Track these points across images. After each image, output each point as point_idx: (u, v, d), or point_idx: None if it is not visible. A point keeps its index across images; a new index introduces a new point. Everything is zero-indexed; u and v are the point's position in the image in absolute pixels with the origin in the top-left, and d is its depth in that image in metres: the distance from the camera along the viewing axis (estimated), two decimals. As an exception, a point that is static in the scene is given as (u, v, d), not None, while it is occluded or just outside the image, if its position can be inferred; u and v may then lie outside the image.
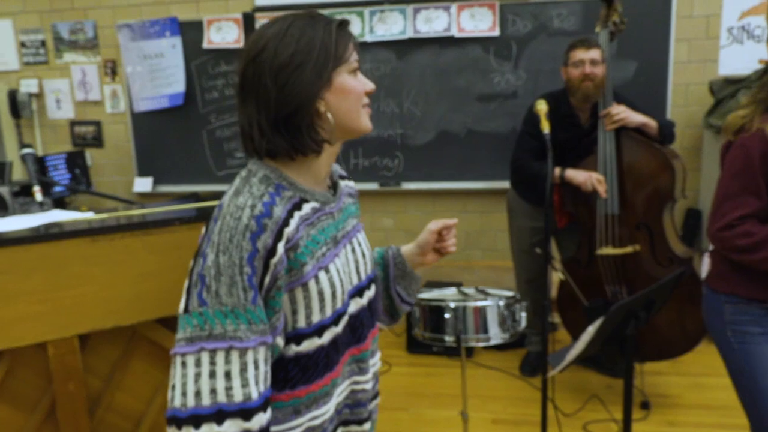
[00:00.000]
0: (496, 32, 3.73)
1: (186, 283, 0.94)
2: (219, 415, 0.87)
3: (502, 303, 1.90)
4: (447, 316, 1.88)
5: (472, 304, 1.90)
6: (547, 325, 1.95)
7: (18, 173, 4.40)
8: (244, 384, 0.89)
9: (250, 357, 0.89)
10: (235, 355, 0.88)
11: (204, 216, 1.43)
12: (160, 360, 1.50)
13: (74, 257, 1.31)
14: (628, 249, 2.69)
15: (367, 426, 1.15)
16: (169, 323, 1.46)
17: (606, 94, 2.75)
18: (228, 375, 0.88)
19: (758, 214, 1.57)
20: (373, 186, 4.05)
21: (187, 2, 4.07)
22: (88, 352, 1.42)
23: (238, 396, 0.88)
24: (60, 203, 3.86)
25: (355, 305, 1.09)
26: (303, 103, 0.96)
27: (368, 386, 1.13)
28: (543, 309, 1.95)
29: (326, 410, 1.04)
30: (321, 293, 0.98)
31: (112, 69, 4.23)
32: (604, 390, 2.96)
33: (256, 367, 0.90)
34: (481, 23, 3.74)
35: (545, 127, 2.16)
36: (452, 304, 1.88)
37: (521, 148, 2.94)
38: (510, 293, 2.03)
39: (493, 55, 3.78)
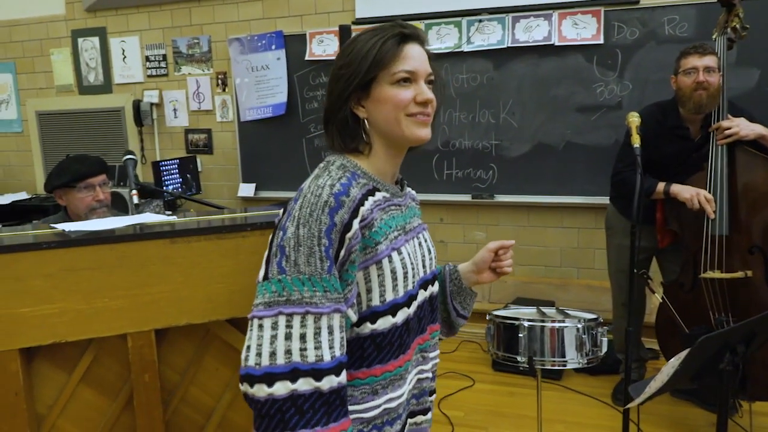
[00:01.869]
0: (600, 40, 3.56)
1: (266, 254, 1.02)
2: (293, 373, 0.93)
3: (580, 325, 1.79)
4: (521, 335, 1.80)
5: (548, 324, 1.81)
6: (630, 352, 1.81)
7: (140, 177, 4.81)
8: (317, 346, 0.94)
9: (324, 322, 0.95)
10: (310, 320, 0.95)
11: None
12: (231, 359, 1.56)
13: (153, 257, 1.40)
14: (738, 274, 2.45)
15: (429, 415, 1.23)
16: (239, 324, 1.52)
17: (721, 105, 2.53)
18: (303, 337, 0.94)
19: None
20: (465, 197, 4.00)
21: (292, 17, 4.25)
22: (165, 347, 1.50)
23: (311, 357, 0.94)
24: (171, 205, 4.17)
25: (420, 296, 1.15)
26: (335, 108, 1.09)
27: (430, 375, 1.21)
28: (627, 334, 1.81)
29: (401, 393, 1.09)
30: (394, 272, 1.04)
31: (222, 80, 4.51)
32: (707, 428, 2.70)
33: (330, 333, 0.96)
34: (584, 31, 3.59)
35: (635, 141, 2.03)
36: (526, 324, 1.80)
37: (623, 161, 2.77)
38: (592, 316, 1.92)
39: (596, 64, 3.61)
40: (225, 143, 4.62)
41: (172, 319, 1.44)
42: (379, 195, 1.08)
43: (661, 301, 2.41)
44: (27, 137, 5.20)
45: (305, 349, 0.94)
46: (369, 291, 1.03)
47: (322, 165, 1.10)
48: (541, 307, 2.08)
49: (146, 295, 1.41)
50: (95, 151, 4.82)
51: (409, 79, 1.06)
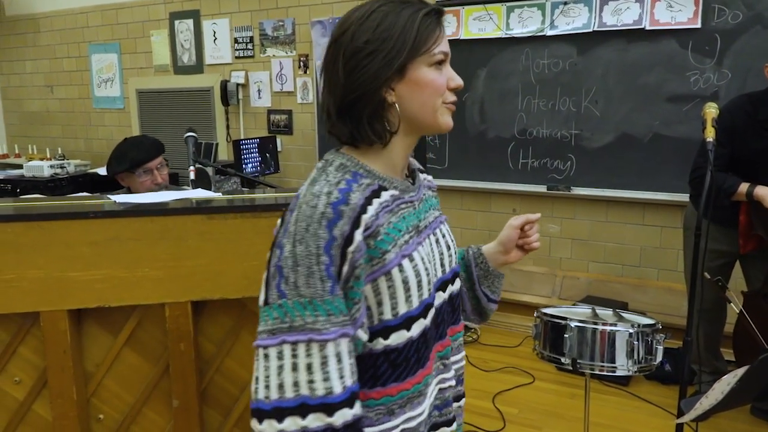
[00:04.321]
0: (698, 24, 3.28)
1: (264, 276, 0.93)
2: (302, 408, 0.86)
3: (633, 330, 1.68)
4: (566, 335, 1.71)
5: (598, 327, 1.71)
6: (687, 365, 1.67)
7: (223, 154, 5.02)
8: (326, 377, 0.86)
9: (330, 349, 0.87)
10: (315, 348, 0.86)
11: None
12: (265, 335, 1.60)
13: (191, 232, 1.45)
14: (834, 289, 2.19)
15: (454, 426, 1.12)
16: (272, 302, 1.54)
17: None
18: (309, 368, 0.86)
19: None
20: (540, 188, 3.85)
21: (373, -1, 4.24)
22: (204, 318, 1.56)
23: (320, 390, 0.86)
24: (251, 183, 4.31)
25: (438, 299, 1.05)
26: (366, 91, 0.94)
27: (453, 383, 1.11)
28: (684, 344, 1.67)
29: (421, 411, 1.00)
30: (406, 282, 0.94)
31: (304, 63, 4.60)
32: (788, 453, 2.47)
33: (339, 360, 0.87)
34: (679, 14, 3.32)
35: (708, 134, 1.85)
36: (573, 324, 1.71)
37: (705, 156, 2.54)
38: (649, 321, 1.78)
39: (691, 50, 3.33)
40: (304, 124, 4.72)
41: (208, 292, 1.49)
42: (386, 195, 0.96)
43: (738, 312, 2.21)
44: (128, 113, 5.57)
45: (313, 381, 0.86)
46: (380, 304, 0.94)
47: (319, 165, 0.98)
48: (596, 308, 1.96)
49: (183, 267, 1.46)
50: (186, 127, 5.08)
51: (443, 61, 0.98)
